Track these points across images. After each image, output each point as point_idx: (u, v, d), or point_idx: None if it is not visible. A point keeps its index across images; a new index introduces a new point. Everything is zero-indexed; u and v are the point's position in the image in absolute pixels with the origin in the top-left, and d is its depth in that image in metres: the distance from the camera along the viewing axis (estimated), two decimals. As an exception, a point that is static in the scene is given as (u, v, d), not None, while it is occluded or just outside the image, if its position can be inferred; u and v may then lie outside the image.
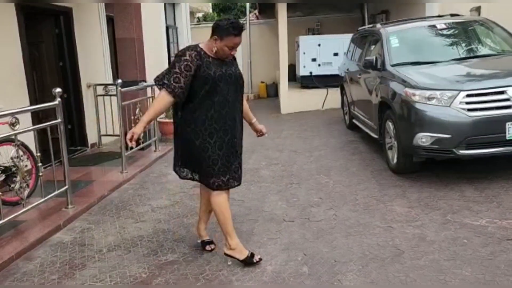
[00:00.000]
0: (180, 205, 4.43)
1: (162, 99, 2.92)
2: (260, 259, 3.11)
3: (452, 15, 6.19)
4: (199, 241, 3.44)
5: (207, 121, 2.93)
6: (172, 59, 3.05)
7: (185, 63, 2.86)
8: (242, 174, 3.14)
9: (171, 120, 7.80)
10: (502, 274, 2.76)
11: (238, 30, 2.89)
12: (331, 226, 3.67)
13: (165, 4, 10.93)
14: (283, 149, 6.52)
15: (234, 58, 3.13)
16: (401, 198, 4.19)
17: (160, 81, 2.92)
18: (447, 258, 3.01)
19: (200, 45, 2.99)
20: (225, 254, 3.15)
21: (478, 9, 7.43)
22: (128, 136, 2.95)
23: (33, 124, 4.97)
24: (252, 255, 3.10)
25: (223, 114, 2.95)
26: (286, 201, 4.34)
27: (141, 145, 6.33)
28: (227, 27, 2.87)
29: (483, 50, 5.40)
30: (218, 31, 2.89)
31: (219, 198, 3.05)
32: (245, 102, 3.19)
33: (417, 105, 4.39)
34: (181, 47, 12.28)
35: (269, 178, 5.16)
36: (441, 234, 3.37)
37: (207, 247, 3.38)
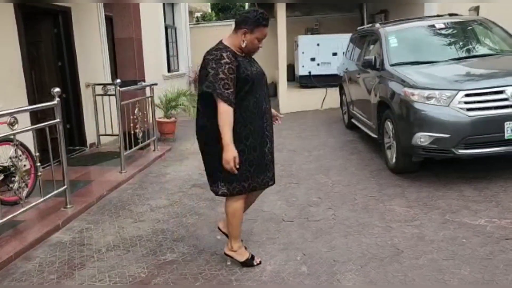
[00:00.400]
0: (179, 205, 4.43)
1: (226, 111, 2.69)
2: (260, 262, 3.10)
3: (450, 14, 6.20)
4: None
5: (242, 122, 2.80)
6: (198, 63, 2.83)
7: (227, 66, 2.71)
8: (275, 172, 3.08)
9: (170, 120, 7.85)
10: (501, 274, 2.76)
11: (267, 20, 2.84)
12: (330, 226, 3.67)
13: (164, 4, 10.92)
14: (282, 149, 6.51)
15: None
16: (400, 197, 4.20)
17: (214, 91, 2.70)
18: (446, 257, 3.01)
19: (226, 44, 2.84)
20: (225, 254, 3.15)
21: (476, 9, 7.44)
22: (231, 164, 2.69)
23: (32, 123, 4.96)
24: (253, 257, 3.10)
25: (257, 114, 2.86)
26: (285, 201, 4.34)
27: (140, 145, 6.33)
28: (257, 18, 2.79)
29: (481, 50, 5.41)
30: (248, 23, 2.78)
31: (237, 204, 2.98)
32: None
33: (416, 105, 4.40)
34: (180, 47, 12.36)
35: (268, 177, 5.15)
36: (440, 233, 3.37)
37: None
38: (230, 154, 2.69)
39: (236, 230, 3.06)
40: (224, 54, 2.74)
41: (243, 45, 2.82)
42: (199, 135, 2.96)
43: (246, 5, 14.25)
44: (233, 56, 2.77)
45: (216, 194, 2.99)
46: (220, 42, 2.89)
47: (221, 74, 2.69)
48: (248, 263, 3.07)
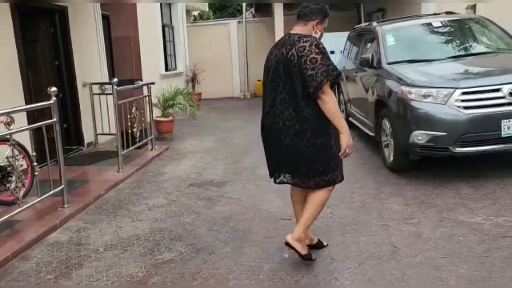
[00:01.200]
0: (177, 204, 4.43)
1: (332, 95, 2.75)
2: (314, 259, 3.03)
3: (447, 13, 6.21)
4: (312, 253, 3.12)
5: (324, 115, 2.77)
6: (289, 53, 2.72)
7: (328, 53, 2.76)
8: None
9: (167, 119, 7.83)
10: (498, 271, 2.77)
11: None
12: (328, 224, 3.67)
13: (161, 3, 10.90)
14: (279, 148, 6.51)
15: None
16: (397, 196, 4.20)
17: (331, 76, 2.69)
18: (443, 255, 3.02)
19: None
20: (287, 242, 2.93)
21: (473, 7, 7.45)
22: (349, 150, 2.78)
23: (29, 123, 4.95)
24: (311, 253, 3.04)
25: None
26: (282, 200, 4.33)
27: (138, 144, 6.32)
28: (325, 9, 2.89)
29: (478, 48, 5.42)
30: (319, 14, 2.86)
31: (327, 194, 2.94)
32: None
33: (413, 103, 4.40)
34: (177, 46, 12.34)
35: (266, 176, 5.08)
36: (437, 231, 3.38)
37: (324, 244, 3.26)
38: (350, 138, 2.77)
39: (313, 220, 3.01)
40: (318, 40, 2.77)
41: (318, 35, 2.86)
42: (306, 126, 2.77)
43: (244, 4, 14.22)
44: None
45: (310, 188, 2.90)
46: (293, 34, 2.83)
47: (329, 60, 2.72)
48: (307, 257, 2.96)
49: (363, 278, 2.83)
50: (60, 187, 4.23)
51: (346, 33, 8.13)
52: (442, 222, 3.53)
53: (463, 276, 2.75)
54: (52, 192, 4.15)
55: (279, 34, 10.17)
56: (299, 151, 2.82)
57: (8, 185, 3.97)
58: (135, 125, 6.27)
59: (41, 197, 4.03)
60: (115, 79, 5.77)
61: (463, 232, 3.33)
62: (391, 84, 4.87)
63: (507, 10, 6.51)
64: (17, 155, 3.94)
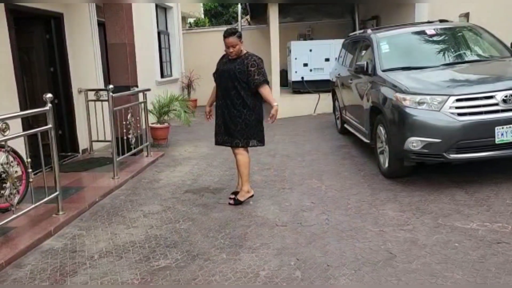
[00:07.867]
0: (172, 211, 4.42)
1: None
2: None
3: (441, 21, 6.27)
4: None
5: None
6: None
7: None
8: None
9: (163, 125, 7.83)
10: (493, 277, 2.78)
11: (225, 33, 4.32)
12: (324, 231, 3.68)
13: (156, 9, 10.93)
14: (275, 154, 6.53)
15: (245, 57, 4.35)
16: (392, 202, 4.22)
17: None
18: (439, 261, 3.03)
19: None
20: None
21: (467, 15, 7.53)
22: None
23: (24, 129, 4.93)
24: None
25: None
26: (278, 206, 4.34)
27: (133, 151, 6.30)
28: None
29: (472, 56, 5.47)
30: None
31: None
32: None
33: (408, 110, 4.43)
34: (172, 53, 12.39)
35: (262, 183, 5.16)
36: (432, 237, 3.39)
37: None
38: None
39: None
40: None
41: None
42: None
43: (239, 11, 14.28)
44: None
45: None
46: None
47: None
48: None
49: (359, 284, 2.83)
50: (55, 194, 4.21)
51: (341, 41, 8.19)
52: (438, 228, 3.55)
53: (458, 282, 2.76)
54: (46, 198, 4.12)
55: (274, 41, 10.20)
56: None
57: (2, 191, 3.94)
58: (130, 131, 6.26)
59: (36, 204, 4.01)
60: (111, 86, 5.77)
61: (458, 238, 3.35)
62: (385, 91, 4.90)
63: (499, 18, 6.59)
64: (11, 162, 3.92)
